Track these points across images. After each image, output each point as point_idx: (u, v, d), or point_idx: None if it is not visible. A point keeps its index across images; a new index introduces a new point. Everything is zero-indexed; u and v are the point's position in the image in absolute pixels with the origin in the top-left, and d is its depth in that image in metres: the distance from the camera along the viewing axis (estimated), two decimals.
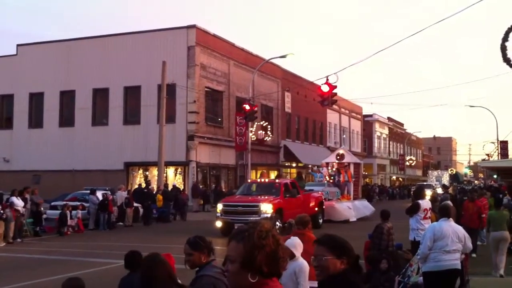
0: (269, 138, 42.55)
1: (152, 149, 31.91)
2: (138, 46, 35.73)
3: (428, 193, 22.43)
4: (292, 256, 6.04)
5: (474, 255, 13.91)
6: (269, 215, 19.35)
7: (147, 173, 36.09)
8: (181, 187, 33.33)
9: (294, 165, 46.97)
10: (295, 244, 6.23)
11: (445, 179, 72.12)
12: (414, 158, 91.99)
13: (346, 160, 32.08)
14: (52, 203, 25.58)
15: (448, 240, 7.91)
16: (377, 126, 77.92)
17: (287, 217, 17.67)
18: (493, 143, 59.17)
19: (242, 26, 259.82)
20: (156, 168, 31.96)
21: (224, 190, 35.69)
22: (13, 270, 13.90)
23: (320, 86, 23.39)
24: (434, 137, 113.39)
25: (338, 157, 32.03)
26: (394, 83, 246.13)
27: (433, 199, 16.77)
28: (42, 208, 23.16)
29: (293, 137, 49.31)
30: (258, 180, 27.51)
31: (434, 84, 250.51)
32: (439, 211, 8.80)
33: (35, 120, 39.39)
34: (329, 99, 23.11)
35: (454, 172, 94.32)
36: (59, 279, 8.92)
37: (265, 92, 41.62)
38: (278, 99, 45.42)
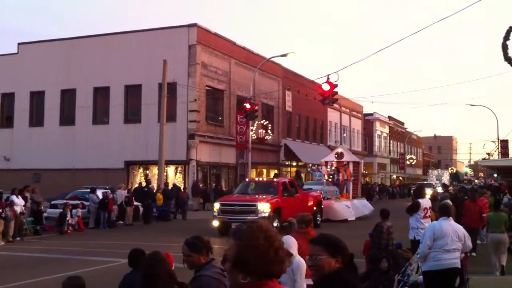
0: (270, 137, 42.55)
1: (153, 148, 31.92)
2: (139, 45, 35.72)
3: (428, 192, 22.44)
4: (290, 255, 6.05)
5: (474, 254, 13.93)
6: (266, 215, 19.26)
7: (147, 171, 36.10)
8: (181, 186, 33.34)
9: (294, 164, 46.95)
10: (290, 242, 6.25)
11: (446, 178, 72.06)
12: (414, 157, 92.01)
13: (345, 158, 32.05)
14: (52, 202, 25.61)
15: (448, 239, 7.91)
16: (377, 125, 77.92)
17: (285, 216, 17.67)
18: (493, 142, 59.16)
19: (243, 26, 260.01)
20: (157, 167, 31.98)
21: (224, 189, 35.69)
22: (13, 268, 13.91)
23: (321, 85, 23.42)
24: (435, 136, 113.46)
25: (337, 156, 32.01)
26: (395, 82, 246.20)
27: (433, 198, 16.76)
28: (42, 207, 23.18)
29: (293, 136, 49.30)
30: (256, 179, 27.45)
31: (435, 83, 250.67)
32: (439, 210, 8.80)
33: (36, 118, 39.41)
34: (330, 97, 23.11)
35: (454, 171, 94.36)
36: (60, 278, 8.94)
37: (266, 90, 41.61)
38: (279, 98, 45.42)
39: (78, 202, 24.86)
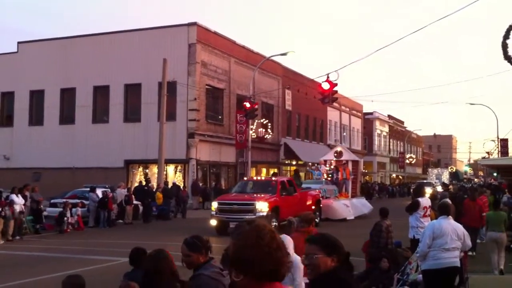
0: (270, 135, 42.55)
1: (153, 147, 31.92)
2: (139, 44, 35.70)
3: (428, 191, 22.44)
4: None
5: (473, 253, 13.93)
6: (264, 214, 19.15)
7: (147, 170, 36.10)
8: (181, 185, 33.34)
9: (294, 163, 46.97)
10: (286, 242, 6.26)
11: (445, 177, 72.09)
12: (414, 156, 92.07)
13: (344, 157, 32.05)
14: (52, 201, 25.61)
15: (448, 238, 7.92)
16: (377, 124, 77.94)
17: (283, 216, 17.66)
18: (493, 141, 59.18)
19: (243, 26, 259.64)
20: (156, 166, 31.98)
21: (224, 187, 35.70)
22: (12, 267, 13.92)
23: (320, 84, 23.41)
24: (434, 135, 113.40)
25: (336, 155, 32.01)
26: (395, 81, 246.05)
27: (433, 197, 16.77)
28: (42, 206, 23.18)
29: (293, 134, 49.30)
30: (255, 178, 27.34)
31: (435, 82, 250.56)
32: (439, 209, 8.81)
33: (36, 117, 39.41)
34: (330, 96, 23.08)
35: (454, 170, 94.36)
36: (59, 277, 8.93)
37: (266, 89, 41.60)
38: (278, 97, 45.42)
39: (78, 201, 24.86)
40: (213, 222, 20.68)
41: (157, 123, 31.73)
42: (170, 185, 30.45)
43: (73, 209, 23.34)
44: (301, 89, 47.31)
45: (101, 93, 37.33)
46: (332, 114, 58.41)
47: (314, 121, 54.35)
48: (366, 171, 70.08)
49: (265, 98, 42.51)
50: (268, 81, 43.71)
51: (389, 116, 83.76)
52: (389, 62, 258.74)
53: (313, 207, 23.82)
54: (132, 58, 35.45)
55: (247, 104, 32.15)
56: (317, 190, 26.29)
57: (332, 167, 31.27)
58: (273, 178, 24.76)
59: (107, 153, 35.31)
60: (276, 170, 42.96)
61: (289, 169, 46.65)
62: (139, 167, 36.75)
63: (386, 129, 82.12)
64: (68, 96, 38.26)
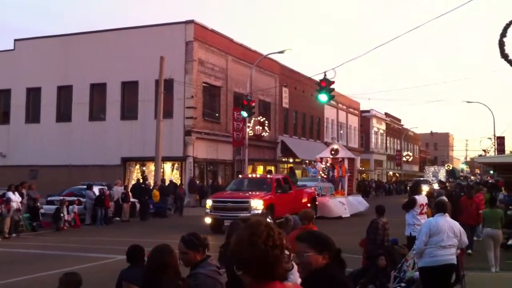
0: (267, 133, 42.56)
1: (150, 144, 31.89)
2: (136, 41, 35.63)
3: (425, 188, 22.44)
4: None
5: (470, 251, 13.96)
6: (259, 212, 19.01)
7: (144, 168, 36.07)
8: (178, 183, 33.33)
9: (291, 160, 47.00)
10: None
11: (442, 175, 72.17)
12: (411, 154, 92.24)
13: (340, 155, 32.05)
14: (49, 198, 25.56)
15: (444, 235, 7.93)
16: (374, 121, 78.02)
17: (279, 213, 17.62)
18: (490, 138, 59.30)
19: (243, 26, 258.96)
20: (153, 164, 31.95)
21: (221, 185, 35.70)
22: (9, 264, 13.90)
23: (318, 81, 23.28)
24: (431, 133, 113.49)
25: (332, 152, 32.02)
26: (392, 79, 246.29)
27: (430, 195, 16.79)
28: (39, 203, 23.15)
29: (290, 132, 49.32)
30: (250, 175, 27.23)
31: (432, 80, 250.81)
32: (435, 206, 8.83)
33: (32, 115, 39.33)
34: (327, 88, 22.69)
35: (450, 168, 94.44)
36: (56, 274, 8.92)
37: (263, 87, 41.60)
38: (275, 95, 45.40)
39: (75, 198, 24.81)
40: (208, 220, 20.56)
41: (154, 120, 31.70)
42: (167, 182, 30.44)
43: (70, 207, 23.31)
44: (298, 87, 47.32)
45: (98, 90, 37.27)
46: (329, 112, 58.43)
47: (311, 119, 54.38)
48: (363, 168, 70.18)
49: (262, 96, 42.51)
50: (265, 79, 43.71)
51: (386, 114, 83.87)
52: (386, 60, 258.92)
53: (308, 204, 23.68)
54: (129, 55, 35.38)
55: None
56: (312, 188, 26.23)
57: (328, 164, 31.27)
58: (268, 176, 24.69)
59: (103, 150, 35.26)
60: (273, 168, 43.01)
61: (286, 167, 46.66)
62: (136, 165, 36.72)
63: (383, 127, 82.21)
64: (64, 93, 38.18)
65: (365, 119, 74.45)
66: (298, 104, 49.00)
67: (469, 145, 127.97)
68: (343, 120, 64.66)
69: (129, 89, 36.30)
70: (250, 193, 21.12)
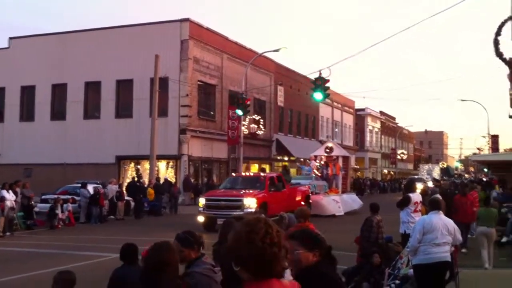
0: (262, 132, 42.56)
1: (144, 143, 31.82)
2: (131, 40, 35.54)
3: (419, 186, 22.50)
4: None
5: (465, 250, 14.00)
6: (253, 210, 18.88)
7: (138, 166, 36.02)
8: (173, 181, 33.30)
9: (286, 158, 47.03)
10: None
11: (436, 173, 72.45)
12: (405, 152, 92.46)
13: (334, 153, 32.06)
14: (43, 197, 25.49)
15: (438, 233, 7.96)
16: (369, 120, 78.17)
17: (272, 212, 17.57)
18: (484, 137, 59.50)
19: (243, 26, 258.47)
20: (148, 162, 31.91)
21: (216, 183, 35.69)
22: (4, 263, 13.85)
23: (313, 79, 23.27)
24: (426, 131, 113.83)
25: (327, 150, 32.04)
26: (387, 78, 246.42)
27: (424, 193, 16.85)
28: (33, 202, 23.09)
29: (285, 131, 49.34)
30: (243, 173, 27.14)
31: (427, 78, 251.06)
32: (429, 204, 8.86)
33: (27, 113, 39.20)
34: (322, 86, 22.69)
35: (445, 166, 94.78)
36: (50, 273, 8.91)
37: (258, 86, 41.59)
38: (271, 93, 45.40)
39: (69, 197, 24.75)
40: (201, 219, 20.41)
41: (149, 119, 31.64)
42: (162, 181, 30.42)
43: (64, 205, 23.27)
44: (293, 85, 47.33)
45: (92, 88, 37.17)
46: (324, 110, 58.49)
47: (306, 117, 54.42)
48: (357, 167, 70.29)
49: (257, 94, 42.51)
50: (260, 77, 43.70)
51: (381, 112, 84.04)
52: (382, 59, 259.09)
53: (302, 203, 23.32)
54: (124, 54, 35.30)
55: (239, 112, 31.70)
56: (306, 186, 26.19)
57: (322, 162, 31.28)
58: (262, 174, 24.62)
59: (98, 149, 35.18)
60: (268, 166, 43.03)
61: (281, 165, 46.69)
62: (130, 163, 36.65)
63: (378, 125, 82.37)
64: (59, 91, 38.06)
65: (360, 117, 74.58)
66: (293, 102, 49.03)
67: (464, 143, 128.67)
68: (338, 119, 64.75)
69: (124, 87, 36.22)
70: (243, 191, 20.97)
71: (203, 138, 36.11)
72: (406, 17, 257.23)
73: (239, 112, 31.77)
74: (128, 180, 32.70)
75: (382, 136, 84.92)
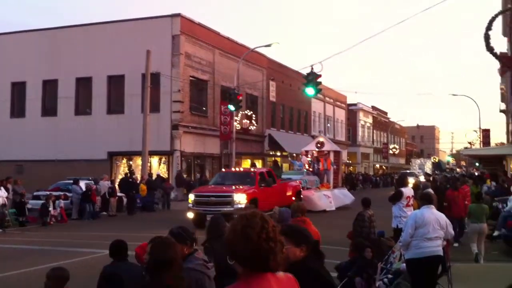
0: (254, 127, 42.55)
1: (136, 139, 31.73)
2: (122, 35, 35.40)
3: (411, 181, 22.57)
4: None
5: (457, 244, 14.09)
6: (243, 206, 18.45)
7: (131, 162, 35.92)
8: (165, 177, 33.25)
9: (278, 154, 47.09)
10: None
11: (428, 167, 72.73)
12: (397, 147, 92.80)
13: (326, 148, 32.08)
14: (35, 193, 25.39)
15: (430, 227, 7.99)
16: (361, 115, 78.33)
17: (262, 207, 17.53)
18: (475, 131, 59.76)
19: (243, 26, 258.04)
20: (140, 158, 31.84)
21: (208, 179, 35.66)
22: None
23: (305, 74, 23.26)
24: (418, 126, 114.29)
25: (318, 145, 32.06)
26: (380, 74, 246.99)
27: (416, 187, 16.91)
28: (25, 199, 22.98)
29: (277, 126, 49.38)
30: (233, 169, 26.94)
31: (419, 74, 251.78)
32: (421, 198, 8.90)
33: (17, 109, 38.97)
34: (314, 81, 22.65)
35: (436, 160, 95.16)
36: (43, 269, 8.89)
37: (250, 81, 41.56)
38: (263, 88, 45.39)
39: (61, 193, 24.66)
40: (190, 215, 20.10)
41: (140, 114, 31.54)
42: (154, 177, 30.36)
43: (56, 202, 23.18)
44: (285, 81, 47.33)
45: (83, 84, 36.99)
46: (316, 106, 58.57)
47: (299, 113, 54.48)
48: (350, 161, 70.45)
49: (249, 89, 42.48)
50: (252, 72, 43.67)
51: (372, 107, 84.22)
52: (375, 55, 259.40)
53: (293, 198, 23.33)
54: (115, 49, 35.15)
55: (232, 106, 31.68)
56: (297, 181, 26.06)
57: (313, 157, 31.30)
58: (252, 169, 24.51)
59: (90, 145, 35.03)
60: (260, 162, 43.02)
61: (273, 160, 46.74)
62: (122, 159, 36.56)
63: (370, 120, 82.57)
64: (50, 87, 37.86)
65: (352, 112, 74.71)
66: (285, 97, 49.05)
67: (455, 137, 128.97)
68: (330, 114, 64.85)
69: (115, 83, 36.08)
70: (233, 187, 20.77)
71: (196, 133, 36.06)
72: (406, 17, 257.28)
73: (231, 107, 31.78)
74: (120, 176, 32.59)
75: (374, 131, 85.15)
